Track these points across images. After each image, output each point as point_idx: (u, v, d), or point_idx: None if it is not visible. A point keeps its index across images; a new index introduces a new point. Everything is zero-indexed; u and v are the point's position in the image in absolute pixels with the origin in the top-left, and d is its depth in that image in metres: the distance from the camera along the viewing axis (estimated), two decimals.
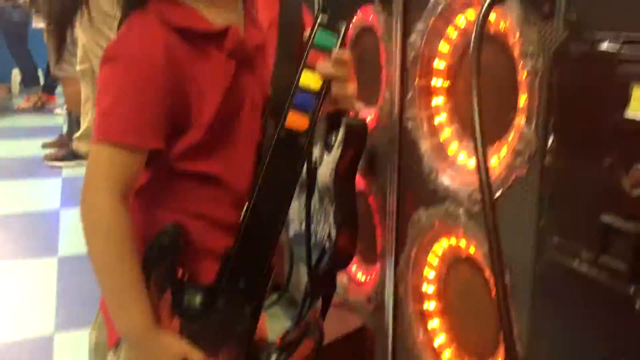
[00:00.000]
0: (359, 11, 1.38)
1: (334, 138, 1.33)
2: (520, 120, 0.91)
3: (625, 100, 0.68)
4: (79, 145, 3.78)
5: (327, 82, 0.80)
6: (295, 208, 1.47)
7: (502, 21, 0.93)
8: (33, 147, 4.13)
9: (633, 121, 0.68)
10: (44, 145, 4.23)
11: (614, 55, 0.71)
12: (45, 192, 3.35)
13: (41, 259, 2.45)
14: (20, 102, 5.71)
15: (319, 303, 1.21)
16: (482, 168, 0.78)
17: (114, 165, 0.76)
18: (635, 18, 0.71)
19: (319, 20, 0.79)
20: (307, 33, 0.80)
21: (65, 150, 4.02)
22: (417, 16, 1.12)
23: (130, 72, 0.74)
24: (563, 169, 0.81)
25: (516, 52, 0.89)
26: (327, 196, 1.34)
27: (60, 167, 3.84)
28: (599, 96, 0.73)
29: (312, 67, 0.79)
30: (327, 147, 1.35)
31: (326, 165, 1.34)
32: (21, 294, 2.19)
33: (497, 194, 0.96)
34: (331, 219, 1.32)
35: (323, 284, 1.40)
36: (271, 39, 0.85)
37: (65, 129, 4.26)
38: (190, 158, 0.81)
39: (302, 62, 0.79)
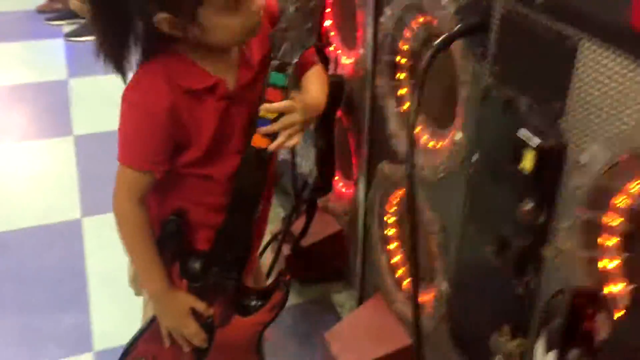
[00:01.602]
0: None
1: None
2: (457, 126, 1.12)
3: (520, 156, 0.90)
4: (75, 4, 3.80)
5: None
6: None
7: None
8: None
9: (522, 173, 0.90)
10: None
11: (520, 115, 0.91)
12: (49, 57, 3.40)
13: (57, 138, 2.65)
14: None
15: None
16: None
17: (133, 182, 1.01)
18: (540, 84, 0.89)
19: (271, 65, 0.97)
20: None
21: (63, 6, 4.02)
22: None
23: (144, 115, 0.96)
24: (479, 183, 1.04)
25: (457, 75, 1.07)
26: (310, 137, 1.57)
27: (61, 26, 3.87)
28: (501, 145, 0.94)
29: (269, 101, 0.99)
30: None
31: None
32: (43, 178, 2.38)
33: (441, 175, 1.19)
34: (312, 159, 1.56)
35: (306, 203, 1.69)
36: (263, 69, 1.02)
37: None
38: (192, 166, 1.04)
39: (261, 97, 0.98)
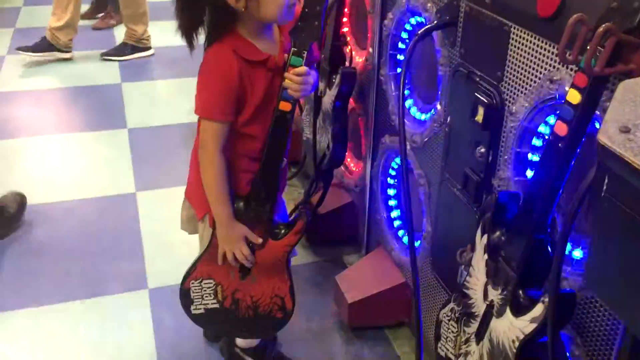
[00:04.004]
0: None
1: (334, 78, 1.92)
2: (437, 99, 1.50)
3: (476, 111, 1.27)
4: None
5: None
6: (307, 122, 2.10)
7: None
8: None
9: (478, 122, 1.27)
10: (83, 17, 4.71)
11: (476, 83, 1.29)
12: (106, 65, 3.88)
13: (114, 130, 3.12)
14: None
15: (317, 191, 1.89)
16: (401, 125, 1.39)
17: (217, 132, 1.39)
18: (488, 60, 1.27)
19: (291, 51, 1.37)
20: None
21: (116, 23, 4.52)
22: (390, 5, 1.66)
23: (221, 79, 1.35)
24: (452, 138, 1.41)
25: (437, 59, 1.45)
26: (328, 118, 1.96)
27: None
28: (464, 106, 1.31)
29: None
30: (329, 83, 1.95)
31: (328, 96, 1.95)
32: (103, 161, 2.83)
33: (426, 139, 1.57)
34: (329, 135, 1.95)
35: (323, 175, 2.08)
36: None
37: None
38: (245, 125, 1.42)
39: (284, 74, 1.37)
